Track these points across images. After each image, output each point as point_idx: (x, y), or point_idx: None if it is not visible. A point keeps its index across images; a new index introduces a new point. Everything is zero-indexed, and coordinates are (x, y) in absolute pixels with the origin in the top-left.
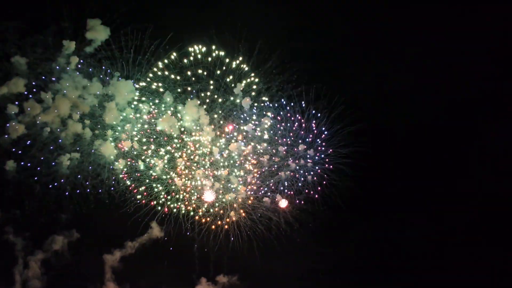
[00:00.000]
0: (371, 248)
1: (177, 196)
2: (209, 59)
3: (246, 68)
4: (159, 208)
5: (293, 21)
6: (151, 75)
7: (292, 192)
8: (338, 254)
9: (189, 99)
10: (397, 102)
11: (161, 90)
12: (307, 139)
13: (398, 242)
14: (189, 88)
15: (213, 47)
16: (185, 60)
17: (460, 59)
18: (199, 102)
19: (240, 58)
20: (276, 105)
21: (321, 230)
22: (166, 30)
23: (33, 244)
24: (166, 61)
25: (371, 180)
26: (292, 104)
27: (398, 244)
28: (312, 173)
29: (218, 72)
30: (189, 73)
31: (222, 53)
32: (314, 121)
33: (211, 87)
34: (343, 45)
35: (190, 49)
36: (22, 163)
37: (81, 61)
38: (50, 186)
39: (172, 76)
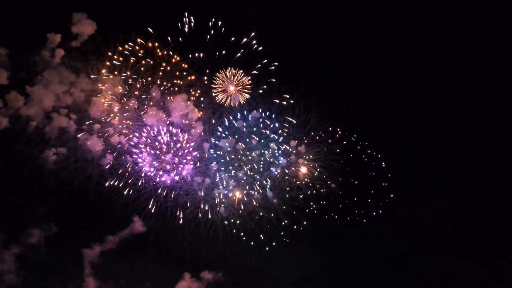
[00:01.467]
0: (365, 247)
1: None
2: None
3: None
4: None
5: (285, 17)
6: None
7: None
8: (328, 253)
9: (177, 94)
10: (389, 99)
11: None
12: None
13: (391, 241)
14: (177, 81)
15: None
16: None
17: (456, 56)
18: (187, 97)
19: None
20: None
21: (313, 228)
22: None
23: (8, 238)
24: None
25: (363, 177)
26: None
27: (391, 243)
28: (303, 169)
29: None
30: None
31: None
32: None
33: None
34: (334, 43)
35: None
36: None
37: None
38: (34, 180)
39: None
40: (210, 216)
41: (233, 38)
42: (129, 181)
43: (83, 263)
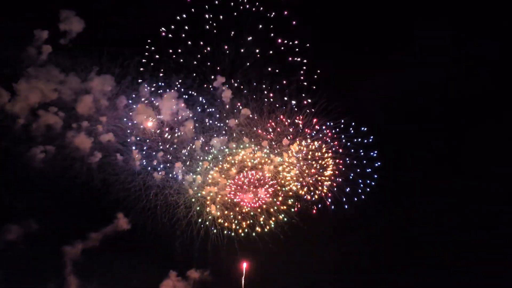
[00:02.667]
0: (360, 248)
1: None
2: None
3: None
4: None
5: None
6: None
7: None
8: (319, 254)
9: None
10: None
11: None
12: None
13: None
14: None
15: None
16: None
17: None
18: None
19: None
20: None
21: (307, 227)
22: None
23: None
24: None
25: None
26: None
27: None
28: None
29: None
30: None
31: None
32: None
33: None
34: (326, 40)
35: None
36: None
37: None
38: (20, 178)
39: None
40: (200, 215)
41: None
42: (118, 180)
43: (64, 261)
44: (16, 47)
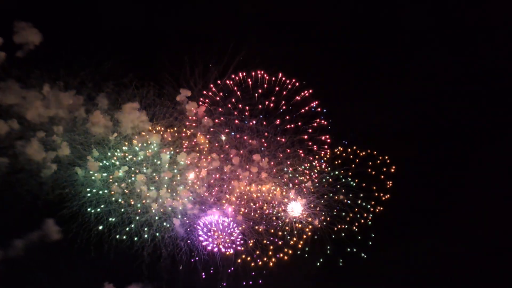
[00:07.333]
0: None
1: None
2: None
3: None
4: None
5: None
6: None
7: None
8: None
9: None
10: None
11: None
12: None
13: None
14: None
15: None
16: None
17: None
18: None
19: None
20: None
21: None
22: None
23: None
24: None
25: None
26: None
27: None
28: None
29: None
30: None
31: None
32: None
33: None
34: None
35: None
36: None
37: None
38: None
39: None
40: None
41: None
42: (74, 194)
43: None
44: None
